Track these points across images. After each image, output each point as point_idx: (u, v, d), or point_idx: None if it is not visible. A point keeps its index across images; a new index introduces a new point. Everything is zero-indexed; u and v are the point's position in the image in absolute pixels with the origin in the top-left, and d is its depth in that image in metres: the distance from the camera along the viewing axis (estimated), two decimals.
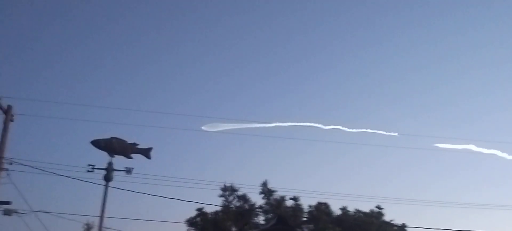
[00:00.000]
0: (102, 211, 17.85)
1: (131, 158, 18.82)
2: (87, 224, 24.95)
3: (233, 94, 55.13)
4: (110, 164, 18.20)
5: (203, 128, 25.38)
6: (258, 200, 23.22)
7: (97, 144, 18.60)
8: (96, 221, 23.42)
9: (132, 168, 18.11)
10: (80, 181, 18.06)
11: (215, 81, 55.13)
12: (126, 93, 52.26)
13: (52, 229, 19.64)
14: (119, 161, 19.05)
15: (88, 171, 17.71)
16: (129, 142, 19.10)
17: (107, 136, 18.82)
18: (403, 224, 25.38)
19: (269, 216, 22.94)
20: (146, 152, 19.19)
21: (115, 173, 18.60)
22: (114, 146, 18.55)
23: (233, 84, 56.54)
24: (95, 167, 17.99)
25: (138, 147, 19.14)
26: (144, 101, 49.30)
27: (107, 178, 17.98)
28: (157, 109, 49.15)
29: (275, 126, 28.53)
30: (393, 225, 25.19)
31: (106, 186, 17.95)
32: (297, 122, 30.34)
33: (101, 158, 18.86)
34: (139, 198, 19.98)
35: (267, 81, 57.18)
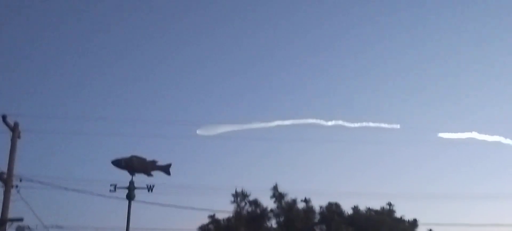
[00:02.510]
0: (127, 229, 17.84)
1: (151, 175, 18.89)
2: None
3: (232, 97, 55.09)
4: (131, 182, 18.22)
5: (198, 132, 24.99)
6: (268, 203, 23.10)
7: (117, 163, 18.64)
8: None
9: (153, 186, 18.20)
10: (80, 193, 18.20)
11: (211, 86, 55.14)
12: (127, 104, 52.16)
13: None
14: (123, 177, 19.05)
15: (111, 191, 17.78)
16: (148, 159, 19.19)
17: (127, 154, 18.91)
18: (414, 219, 25.28)
19: (281, 219, 22.79)
20: (165, 169, 19.24)
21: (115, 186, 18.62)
22: (134, 165, 18.59)
23: (232, 87, 56.56)
24: (118, 186, 18.06)
25: (157, 164, 19.17)
26: (141, 110, 49.18)
27: (130, 197, 18.02)
28: (153, 117, 48.90)
29: (276, 125, 28.33)
30: (404, 221, 25.05)
31: (129, 205, 17.97)
32: (298, 120, 30.15)
33: (107, 171, 18.89)
34: (149, 208, 19.83)
35: (266, 81, 57.27)
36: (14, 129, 17.68)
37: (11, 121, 17.68)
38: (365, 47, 57.32)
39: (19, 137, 17.81)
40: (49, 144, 45.51)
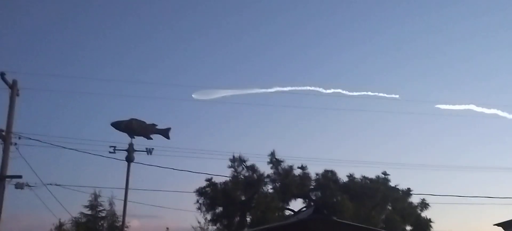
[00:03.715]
0: (126, 190, 18.04)
1: (151, 138, 18.95)
2: (94, 194, 25.16)
3: (232, 62, 54.93)
4: (131, 145, 18.30)
5: (193, 95, 24.89)
6: (265, 169, 23.32)
7: (117, 125, 18.69)
8: (102, 191, 23.67)
9: (153, 149, 18.31)
10: (79, 153, 18.23)
11: (213, 50, 54.83)
12: (126, 66, 51.95)
13: (62, 200, 19.90)
14: (123, 138, 19.05)
15: (110, 153, 17.84)
16: (148, 123, 19.22)
17: (126, 117, 18.90)
18: (408, 188, 25.61)
19: (277, 185, 23.03)
20: (165, 132, 19.30)
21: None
22: (134, 127, 18.64)
23: (233, 52, 56.31)
24: (117, 148, 18.14)
25: (157, 127, 19.23)
26: (141, 73, 49.02)
27: (129, 159, 18.11)
28: (153, 80, 48.78)
29: (275, 91, 28.32)
30: (398, 190, 25.38)
31: (128, 167, 18.10)
32: (297, 86, 30.12)
33: (107, 131, 18.95)
34: (146, 170, 19.98)
35: (266, 47, 56.97)
36: (13, 87, 17.57)
37: (9, 78, 17.56)
38: (366, 16, 56.89)
39: (18, 95, 17.71)
40: (48, 102, 45.52)
